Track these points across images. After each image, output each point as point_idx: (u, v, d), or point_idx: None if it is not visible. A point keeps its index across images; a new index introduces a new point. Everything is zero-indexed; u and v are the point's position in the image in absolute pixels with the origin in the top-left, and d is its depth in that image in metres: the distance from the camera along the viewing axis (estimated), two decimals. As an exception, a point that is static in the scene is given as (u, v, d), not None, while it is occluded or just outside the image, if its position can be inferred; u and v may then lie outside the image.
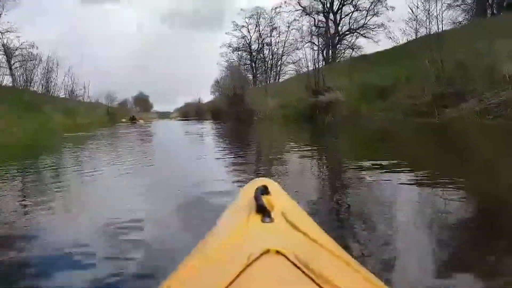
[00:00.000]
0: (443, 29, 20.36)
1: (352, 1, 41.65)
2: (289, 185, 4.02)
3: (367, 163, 5.67)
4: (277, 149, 9.50)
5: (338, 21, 42.83)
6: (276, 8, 46.28)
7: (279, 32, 51.83)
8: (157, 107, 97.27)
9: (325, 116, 20.44)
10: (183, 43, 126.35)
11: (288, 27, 49.65)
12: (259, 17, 53.02)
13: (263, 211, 0.94)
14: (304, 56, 46.78)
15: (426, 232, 2.68)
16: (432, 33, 20.21)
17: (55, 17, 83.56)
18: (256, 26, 54.04)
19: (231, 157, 7.84)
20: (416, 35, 24.22)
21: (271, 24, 52.04)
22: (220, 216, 1.22)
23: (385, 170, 5.02)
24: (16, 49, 44.46)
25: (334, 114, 20.29)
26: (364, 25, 41.50)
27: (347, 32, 42.72)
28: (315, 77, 23.45)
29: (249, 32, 54.56)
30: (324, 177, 5.59)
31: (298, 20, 47.04)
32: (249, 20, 53.36)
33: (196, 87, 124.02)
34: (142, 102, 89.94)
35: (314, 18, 44.06)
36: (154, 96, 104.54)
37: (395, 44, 27.93)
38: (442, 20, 20.16)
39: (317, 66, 29.71)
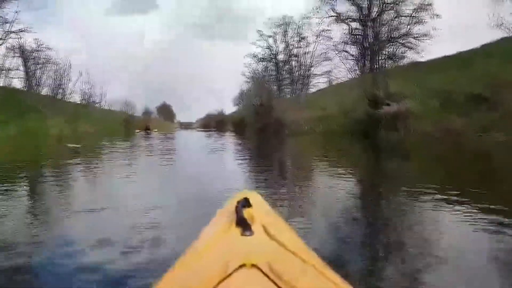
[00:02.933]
0: None
1: (393, 7, 35.06)
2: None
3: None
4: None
5: (377, 29, 36.31)
6: (307, 17, 40.06)
7: (308, 42, 45.88)
8: (180, 117, 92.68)
9: (393, 132, 13.89)
10: (204, 54, 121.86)
11: (317, 36, 43.68)
12: (287, 27, 47.20)
13: (243, 224, 0.88)
14: (335, 67, 40.70)
15: None
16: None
17: (81, 26, 79.89)
18: (283, 36, 48.21)
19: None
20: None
21: (299, 33, 46.12)
22: (203, 228, 1.09)
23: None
24: (33, 51, 39.84)
25: (404, 130, 13.75)
26: (408, 34, 34.79)
27: (387, 41, 36.06)
28: (374, 83, 16.74)
29: (275, 42, 48.71)
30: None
31: (329, 30, 41.06)
32: (276, 29, 47.59)
33: (218, 98, 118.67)
34: (166, 112, 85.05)
35: (349, 25, 37.88)
36: (177, 107, 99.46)
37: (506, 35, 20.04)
38: None
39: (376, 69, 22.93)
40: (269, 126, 27.50)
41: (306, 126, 21.63)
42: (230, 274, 0.65)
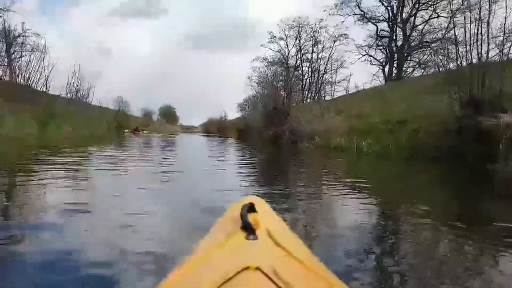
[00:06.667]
0: None
1: (430, 7, 28.49)
2: None
3: None
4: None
5: (408, 32, 29.77)
6: (329, 13, 33.26)
7: (323, 47, 39.40)
8: (183, 121, 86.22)
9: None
10: (207, 61, 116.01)
11: (334, 41, 37.16)
12: (301, 29, 40.77)
13: (248, 228, 0.83)
14: (353, 73, 34.28)
15: None
16: None
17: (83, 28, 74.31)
18: (296, 39, 41.79)
19: None
20: None
21: (314, 36, 39.67)
22: (207, 232, 1.00)
23: None
24: (18, 36, 33.26)
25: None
26: (443, 38, 28.17)
27: (418, 46, 29.43)
28: (475, 78, 9.60)
29: (287, 45, 42.27)
30: None
31: (346, 34, 34.50)
32: (288, 32, 41.21)
33: (221, 104, 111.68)
34: (168, 114, 78.27)
35: (376, 26, 31.31)
36: (181, 110, 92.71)
37: None
38: None
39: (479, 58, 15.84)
40: (282, 136, 20.97)
41: (341, 139, 14.89)
42: (233, 276, 0.60)
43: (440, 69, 15.38)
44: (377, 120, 14.77)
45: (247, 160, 10.36)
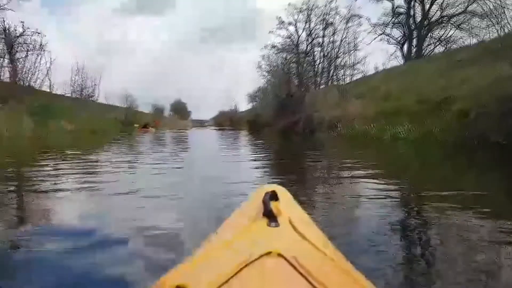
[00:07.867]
0: None
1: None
2: None
3: None
4: None
5: (426, 7, 27.20)
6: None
7: (335, 29, 36.88)
8: (194, 115, 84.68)
9: None
10: (215, 54, 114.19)
11: (347, 22, 34.72)
12: (310, 13, 38.22)
13: (269, 215, 0.82)
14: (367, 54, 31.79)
15: None
16: None
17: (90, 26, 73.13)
18: (306, 23, 39.24)
19: None
20: None
21: (324, 19, 37.12)
22: (228, 217, 1.01)
23: None
24: (19, 36, 31.95)
25: None
26: (466, 11, 25.42)
27: (439, 21, 26.83)
28: None
29: (296, 31, 39.66)
30: None
31: (358, 15, 32.03)
32: (297, 16, 38.63)
33: (231, 96, 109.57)
34: (180, 109, 76.80)
35: (392, 2, 28.81)
36: (191, 104, 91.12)
37: None
38: None
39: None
40: (298, 125, 19.12)
41: (370, 125, 12.95)
42: (255, 260, 0.60)
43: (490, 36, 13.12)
44: (409, 102, 12.77)
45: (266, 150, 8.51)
